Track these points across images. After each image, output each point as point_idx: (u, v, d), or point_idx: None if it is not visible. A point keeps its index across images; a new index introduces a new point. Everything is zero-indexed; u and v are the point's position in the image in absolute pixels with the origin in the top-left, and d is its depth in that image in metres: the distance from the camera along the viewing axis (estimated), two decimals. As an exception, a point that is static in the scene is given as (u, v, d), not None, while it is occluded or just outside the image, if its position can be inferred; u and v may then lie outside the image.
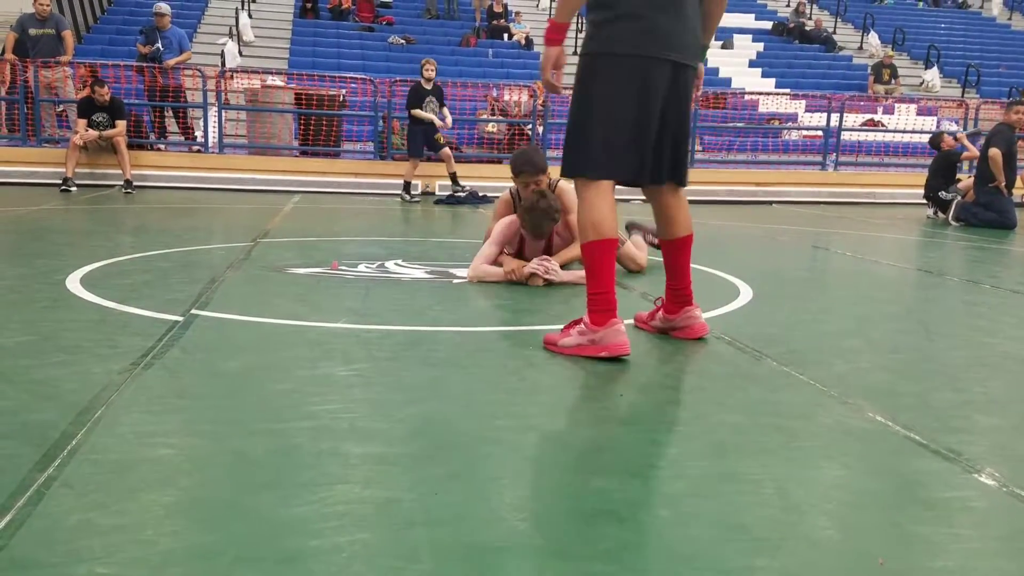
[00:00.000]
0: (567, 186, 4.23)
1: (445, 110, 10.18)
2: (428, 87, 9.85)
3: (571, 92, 2.82)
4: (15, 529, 1.41)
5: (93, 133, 9.53)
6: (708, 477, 1.77)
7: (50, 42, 10.38)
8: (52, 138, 10.53)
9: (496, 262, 4.19)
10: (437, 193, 10.42)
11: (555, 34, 2.77)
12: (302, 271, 4.24)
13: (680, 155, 2.85)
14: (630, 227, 5.03)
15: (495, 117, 12.94)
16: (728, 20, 20.22)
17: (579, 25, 13.77)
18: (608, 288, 2.72)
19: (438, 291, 3.87)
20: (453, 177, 9.87)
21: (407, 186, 9.87)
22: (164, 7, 10.84)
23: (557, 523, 1.53)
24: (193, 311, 3.17)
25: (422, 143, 9.84)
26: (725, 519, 1.56)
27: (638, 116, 2.68)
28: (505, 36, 18.35)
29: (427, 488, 1.65)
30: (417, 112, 9.76)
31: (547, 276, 4.01)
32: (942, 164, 9.60)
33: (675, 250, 2.98)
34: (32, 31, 10.35)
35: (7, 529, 1.41)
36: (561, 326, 2.85)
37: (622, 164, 2.73)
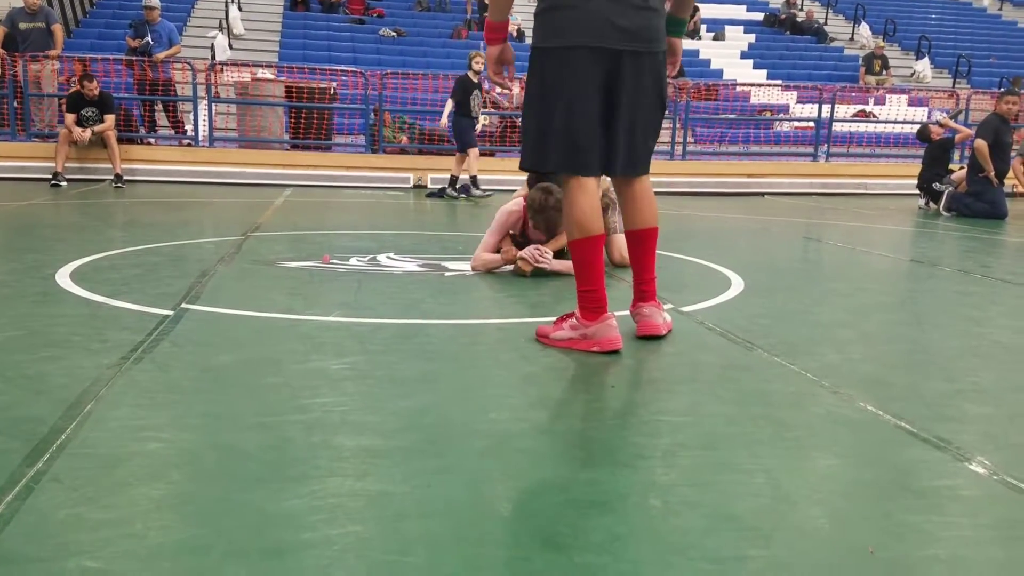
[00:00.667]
0: None
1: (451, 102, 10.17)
2: (476, 80, 9.74)
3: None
4: (4, 524, 1.41)
5: (87, 133, 9.47)
6: (699, 468, 1.78)
7: (40, 36, 10.31)
8: (42, 132, 10.44)
9: (496, 249, 4.19)
10: (429, 187, 10.40)
11: (491, 33, 2.76)
12: (293, 265, 4.23)
13: (633, 145, 2.72)
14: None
15: (487, 110, 12.90)
16: (720, 11, 20.25)
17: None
18: (597, 285, 2.70)
19: (430, 284, 3.86)
20: (474, 180, 9.73)
21: (453, 181, 9.72)
22: (154, 0, 10.78)
23: (549, 515, 1.53)
24: (183, 305, 3.16)
25: (472, 134, 9.75)
26: (716, 509, 1.56)
27: (575, 108, 2.61)
28: (497, 28, 18.29)
29: (420, 481, 1.65)
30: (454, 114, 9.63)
31: (537, 263, 4.00)
32: (937, 153, 9.61)
33: (633, 243, 2.91)
34: (22, 25, 10.28)
35: (-4, 524, 1.40)
36: (553, 319, 2.85)
37: (554, 156, 2.67)
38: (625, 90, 2.64)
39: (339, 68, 12.84)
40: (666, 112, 2.91)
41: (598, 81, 2.61)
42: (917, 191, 9.83)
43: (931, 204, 9.50)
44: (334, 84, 11.98)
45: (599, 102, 2.64)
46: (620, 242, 4.37)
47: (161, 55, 10.71)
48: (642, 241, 2.88)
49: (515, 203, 4.26)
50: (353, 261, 4.40)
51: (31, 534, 1.38)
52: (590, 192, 2.69)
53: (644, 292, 2.91)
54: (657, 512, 1.55)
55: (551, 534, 1.45)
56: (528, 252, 4.04)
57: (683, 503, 1.59)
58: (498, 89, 11.68)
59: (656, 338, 2.84)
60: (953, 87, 17.15)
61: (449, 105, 9.69)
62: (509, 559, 1.37)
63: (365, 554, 1.36)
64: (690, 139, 12.77)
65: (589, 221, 2.67)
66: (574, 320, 2.73)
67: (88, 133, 9.47)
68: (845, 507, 1.62)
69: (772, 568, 1.36)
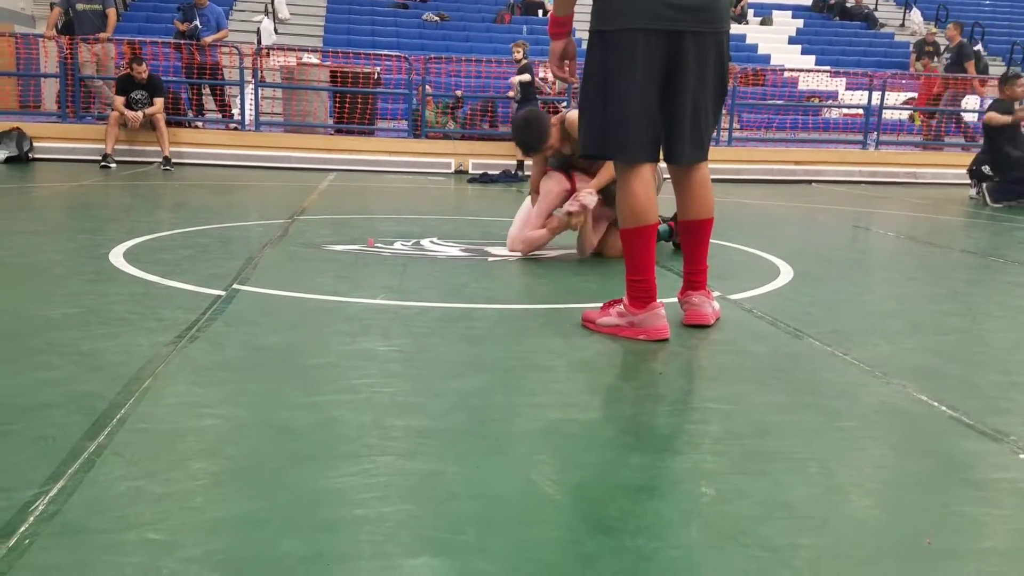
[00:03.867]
0: (572, 115, 4.19)
1: (522, 78, 10.41)
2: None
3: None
4: (67, 496, 1.44)
5: (140, 115, 9.61)
6: (750, 455, 1.76)
7: (96, 18, 10.46)
8: (103, 115, 10.57)
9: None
10: (470, 172, 10.42)
11: (554, 28, 2.72)
12: (339, 248, 4.27)
13: (697, 130, 2.67)
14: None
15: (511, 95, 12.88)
16: (767, -4, 19.93)
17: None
18: (648, 275, 2.67)
19: (474, 269, 3.88)
20: (521, 163, 9.96)
21: (521, 165, 10.02)
22: (204, -16, 10.89)
23: (599, 499, 1.53)
24: (235, 286, 3.20)
25: None
26: (768, 497, 1.55)
27: (631, 93, 2.54)
28: (540, 12, 18.21)
29: (469, 462, 1.66)
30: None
31: (584, 203, 3.90)
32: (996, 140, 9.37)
33: (687, 232, 2.86)
34: (79, 6, 10.43)
35: (60, 495, 1.44)
36: (599, 304, 2.84)
37: (610, 142, 2.62)
38: (688, 73, 2.57)
39: (383, 53, 12.87)
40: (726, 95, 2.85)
41: (656, 65, 2.55)
42: (968, 179, 9.60)
43: (982, 192, 9.28)
44: (378, 69, 12.02)
45: (658, 86, 2.58)
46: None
47: (209, 39, 10.83)
48: (698, 232, 2.83)
49: (556, 181, 4.20)
50: (397, 245, 4.42)
51: (93, 506, 1.42)
52: (646, 180, 2.65)
53: (694, 281, 2.87)
54: (708, 498, 1.55)
55: (601, 517, 1.45)
56: (570, 205, 3.94)
57: (734, 490, 1.58)
58: (548, 77, 11.76)
59: (703, 327, 2.82)
60: (1007, 74, 16.70)
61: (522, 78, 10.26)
62: (560, 541, 1.37)
63: (418, 531, 1.37)
64: (736, 125, 12.61)
65: (644, 210, 2.63)
66: (621, 307, 2.71)
67: (140, 115, 9.61)
68: (899, 497, 1.60)
69: (825, 557, 1.35)
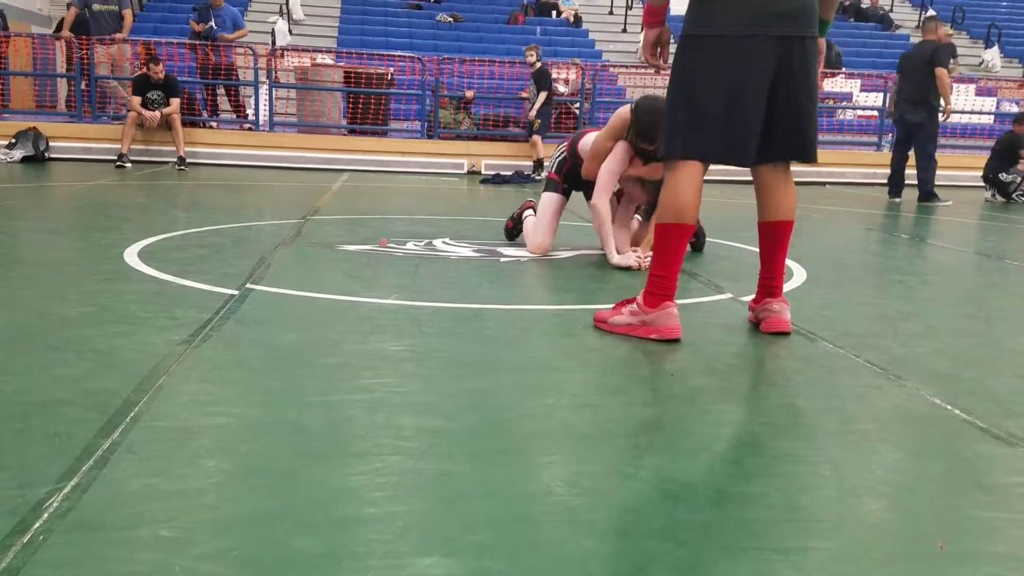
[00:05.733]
0: (591, 135, 4.18)
1: (542, 94, 10.34)
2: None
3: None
4: (81, 493, 1.45)
5: (158, 115, 9.67)
6: (763, 458, 1.76)
7: (112, 19, 10.53)
8: (119, 115, 10.63)
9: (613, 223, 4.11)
10: (483, 173, 10.43)
11: (649, 16, 2.73)
12: (352, 248, 4.28)
13: (801, 132, 2.70)
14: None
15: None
16: (781, -3, 19.81)
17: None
18: (672, 274, 2.66)
19: (486, 269, 3.88)
20: (539, 163, 10.02)
21: (540, 163, 10.15)
22: (220, -15, 10.95)
23: (611, 500, 1.53)
24: (248, 285, 3.22)
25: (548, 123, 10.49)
26: (781, 500, 1.55)
27: (730, 96, 2.56)
28: (553, 13, 18.21)
29: (480, 462, 1.66)
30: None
31: (634, 265, 3.94)
32: (1005, 146, 9.33)
33: (765, 234, 2.83)
34: (96, 6, 10.49)
35: (74, 492, 1.45)
36: (611, 305, 2.84)
37: (709, 144, 2.62)
38: (788, 77, 2.59)
39: (396, 54, 12.90)
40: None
41: (761, 71, 2.56)
42: (983, 182, 9.55)
43: (998, 196, 9.23)
44: (391, 70, 12.05)
45: (755, 92, 2.58)
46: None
47: (231, 36, 10.88)
48: (778, 233, 2.81)
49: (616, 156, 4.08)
50: (410, 245, 4.43)
51: (107, 503, 1.43)
52: (696, 180, 2.63)
53: (773, 288, 2.83)
54: (720, 500, 1.54)
55: (612, 518, 1.45)
56: (631, 262, 3.95)
57: (746, 492, 1.58)
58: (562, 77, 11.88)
59: (785, 334, 2.77)
60: (1023, 77, 16.59)
61: (543, 96, 10.31)
62: (570, 541, 1.37)
63: (429, 530, 1.37)
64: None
65: (687, 210, 2.62)
66: (634, 306, 2.70)
67: (158, 115, 9.67)
68: (912, 501, 1.59)
69: (837, 560, 1.35)
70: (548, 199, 4.35)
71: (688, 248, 4.40)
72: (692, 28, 2.63)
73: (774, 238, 2.82)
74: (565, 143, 4.45)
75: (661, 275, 2.66)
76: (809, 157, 2.75)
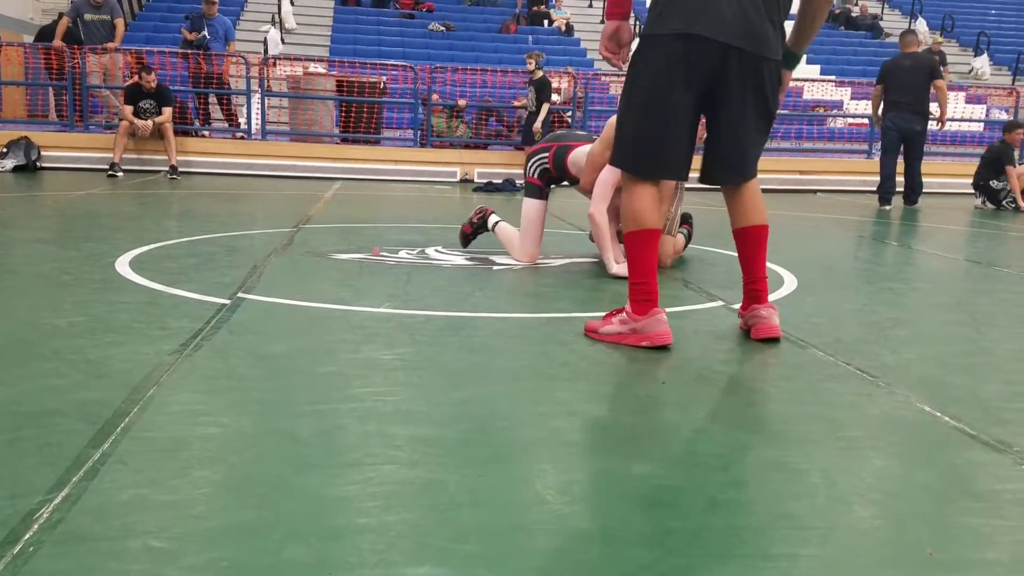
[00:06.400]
0: (585, 150, 4.18)
1: (544, 105, 10.40)
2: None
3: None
4: (72, 504, 1.45)
5: (150, 124, 9.66)
6: (753, 465, 1.77)
7: (104, 28, 10.53)
8: (111, 124, 10.62)
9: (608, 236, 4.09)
10: (476, 181, 10.44)
11: (613, 7, 2.70)
12: (344, 257, 4.28)
13: (736, 153, 2.67)
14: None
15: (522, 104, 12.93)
16: (772, 6, 19.92)
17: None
18: (649, 278, 2.68)
19: (478, 278, 3.88)
20: None
21: None
22: (214, -6, 10.97)
23: (600, 508, 1.53)
24: (240, 294, 3.22)
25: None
26: (770, 508, 1.55)
27: (668, 103, 2.54)
28: (545, 22, 18.28)
29: (472, 471, 1.66)
30: None
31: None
32: (996, 155, 9.39)
33: (741, 240, 2.82)
34: (88, 16, 10.49)
35: (64, 503, 1.45)
36: (603, 314, 2.84)
37: (642, 160, 2.63)
38: (731, 91, 2.55)
39: (389, 63, 12.93)
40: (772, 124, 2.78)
41: (698, 74, 2.52)
42: (973, 190, 9.61)
43: (988, 203, 9.28)
44: (384, 78, 12.07)
45: (687, 99, 2.55)
46: (669, 244, 4.30)
47: (229, 49, 10.93)
48: (751, 239, 2.79)
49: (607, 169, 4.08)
50: (402, 254, 4.44)
51: (97, 514, 1.42)
52: (649, 188, 2.66)
53: (757, 292, 2.82)
54: (709, 508, 1.55)
55: (602, 526, 1.46)
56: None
57: (736, 500, 1.58)
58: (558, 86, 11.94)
59: (775, 340, 2.77)
60: (1013, 84, 16.71)
61: (545, 108, 10.39)
62: (562, 550, 1.37)
63: (421, 540, 1.37)
64: (740, 135, 12.60)
65: (646, 214, 2.64)
66: (624, 315, 2.71)
67: (151, 124, 9.66)
68: (902, 508, 1.60)
69: (827, 567, 1.35)
70: (533, 206, 4.29)
71: (683, 247, 4.43)
72: (644, 28, 2.61)
73: (747, 243, 2.81)
74: (547, 152, 4.29)
75: (639, 281, 2.68)
76: (745, 179, 2.75)
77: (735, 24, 2.50)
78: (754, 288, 2.83)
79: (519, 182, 10.04)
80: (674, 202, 4.29)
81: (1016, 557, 1.41)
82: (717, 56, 2.52)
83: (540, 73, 10.58)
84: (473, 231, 4.58)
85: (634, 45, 2.64)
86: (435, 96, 11.54)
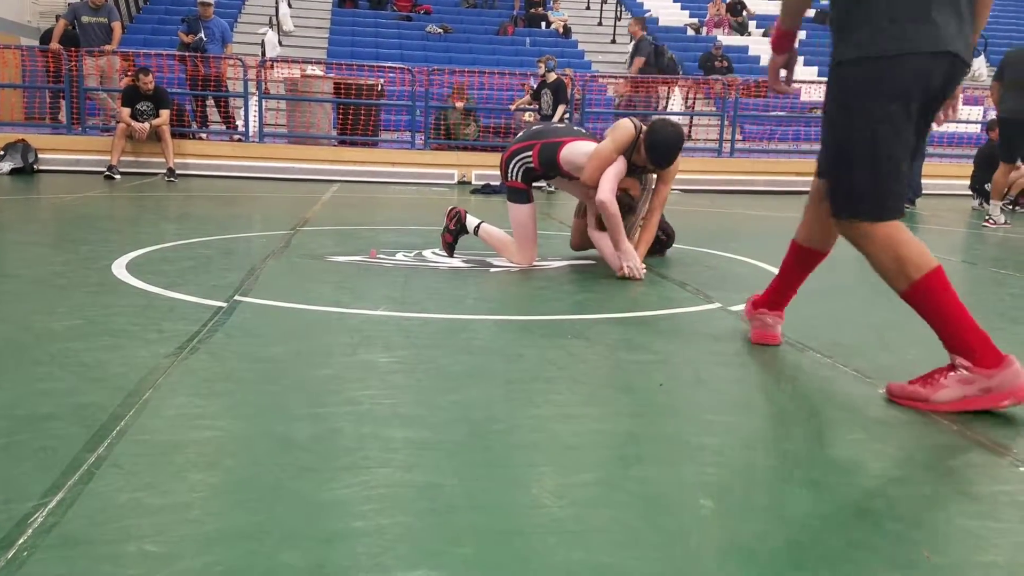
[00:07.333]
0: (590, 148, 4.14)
1: (561, 107, 10.37)
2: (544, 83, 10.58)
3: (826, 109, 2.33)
4: (67, 508, 1.45)
5: (147, 127, 9.65)
6: (751, 468, 1.76)
7: (101, 31, 10.51)
8: (108, 126, 10.60)
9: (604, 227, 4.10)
10: (473, 183, 10.45)
11: (781, 40, 2.51)
12: (341, 259, 4.28)
13: (916, 175, 2.46)
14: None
15: (532, 106, 12.93)
16: (769, 7, 19.99)
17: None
18: (972, 323, 2.23)
19: (475, 280, 3.88)
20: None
21: None
22: (210, -4, 10.97)
23: (599, 511, 1.53)
24: (236, 297, 3.21)
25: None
26: (770, 510, 1.55)
27: (907, 129, 2.23)
28: (543, 24, 18.28)
29: (468, 474, 1.66)
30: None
31: (636, 276, 3.98)
32: (987, 155, 9.40)
33: (802, 258, 2.70)
34: (85, 19, 10.47)
35: (59, 507, 1.44)
36: (601, 316, 2.83)
37: (903, 195, 2.32)
38: (931, 109, 2.32)
39: (386, 65, 12.92)
40: None
41: (928, 92, 2.24)
42: (970, 191, 9.62)
43: (985, 204, 9.28)
44: (381, 81, 12.07)
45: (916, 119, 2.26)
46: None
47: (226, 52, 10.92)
48: (813, 262, 2.72)
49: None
50: (399, 256, 4.43)
51: (93, 517, 1.42)
52: (904, 228, 2.31)
53: (780, 302, 2.82)
54: (709, 511, 1.54)
55: (600, 530, 1.45)
56: (629, 272, 3.98)
57: (735, 503, 1.58)
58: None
59: (771, 346, 2.79)
60: (1010, 85, 16.71)
61: (561, 109, 10.34)
62: (558, 553, 1.37)
63: (416, 544, 1.37)
64: (738, 136, 12.63)
65: (923, 255, 2.28)
66: (963, 372, 2.18)
67: (147, 126, 9.65)
68: (900, 510, 1.59)
69: (825, 570, 1.35)
70: (524, 212, 4.24)
71: (657, 253, 4.45)
72: (866, 51, 2.20)
73: (808, 264, 2.72)
74: (530, 151, 4.20)
75: (966, 329, 2.24)
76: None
77: (962, 39, 2.20)
78: (781, 299, 2.82)
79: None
80: (643, 202, 4.34)
81: (1013, 559, 1.41)
82: (948, 71, 2.22)
83: (554, 76, 10.52)
84: (454, 238, 4.51)
85: (800, 69, 2.47)
86: (459, 102, 11.52)
